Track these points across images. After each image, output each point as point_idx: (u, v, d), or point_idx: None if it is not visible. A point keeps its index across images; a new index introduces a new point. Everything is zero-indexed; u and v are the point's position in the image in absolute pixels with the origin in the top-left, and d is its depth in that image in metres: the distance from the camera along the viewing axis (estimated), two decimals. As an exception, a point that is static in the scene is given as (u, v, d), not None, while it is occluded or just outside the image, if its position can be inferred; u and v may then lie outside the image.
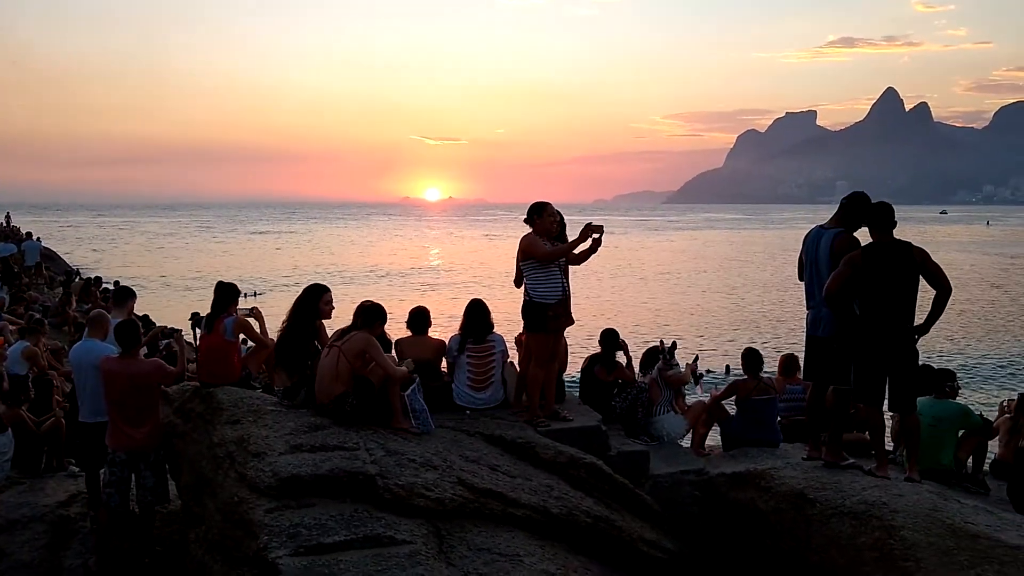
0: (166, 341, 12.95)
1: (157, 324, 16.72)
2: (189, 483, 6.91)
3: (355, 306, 7.23)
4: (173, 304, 34.34)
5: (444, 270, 59.39)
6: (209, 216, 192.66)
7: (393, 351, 7.72)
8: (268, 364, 8.14)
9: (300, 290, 7.61)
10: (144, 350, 8.42)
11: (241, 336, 7.87)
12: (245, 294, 20.51)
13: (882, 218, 6.67)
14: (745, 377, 8.74)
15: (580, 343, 15.41)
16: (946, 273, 6.68)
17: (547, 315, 7.40)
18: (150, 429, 7.10)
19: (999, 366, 24.32)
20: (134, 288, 10.39)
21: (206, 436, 6.78)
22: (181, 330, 8.45)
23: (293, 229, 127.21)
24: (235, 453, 6.12)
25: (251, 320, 7.95)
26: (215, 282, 8.17)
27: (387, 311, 7.26)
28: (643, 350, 9.52)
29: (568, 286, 7.60)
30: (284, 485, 5.55)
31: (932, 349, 23.48)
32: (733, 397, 8.73)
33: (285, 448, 6.01)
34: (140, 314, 14.44)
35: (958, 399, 9.15)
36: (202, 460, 6.63)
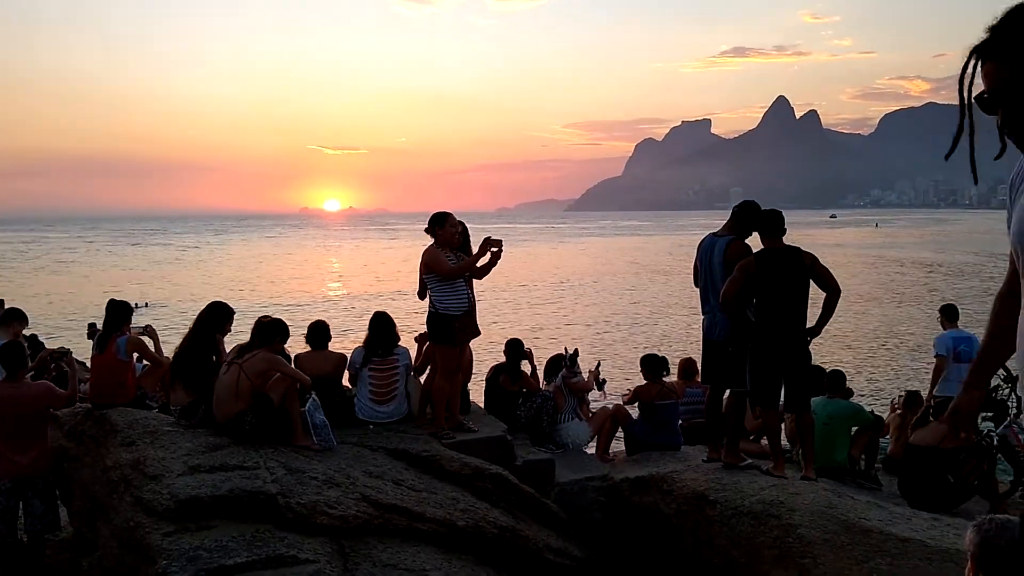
0: (55, 363, 12.49)
1: (46, 345, 16.06)
2: (81, 509, 6.68)
3: (253, 322, 7.10)
4: (63, 324, 33.13)
5: (344, 281, 58.75)
6: (102, 230, 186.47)
7: (292, 366, 7.60)
8: (164, 383, 7.93)
9: (199, 308, 7.46)
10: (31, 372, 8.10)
11: (136, 355, 7.66)
12: (136, 304, 19.88)
13: (772, 225, 6.91)
14: (647, 382, 8.87)
15: (484, 352, 15.44)
16: (834, 275, 6.93)
17: (453, 327, 7.39)
18: (37, 454, 6.83)
19: (889, 364, 25.18)
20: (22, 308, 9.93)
21: (99, 459, 6.56)
22: (71, 351, 8.15)
23: (189, 243, 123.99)
24: (130, 476, 5.94)
25: (145, 338, 7.73)
26: (107, 300, 7.92)
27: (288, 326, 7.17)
28: (547, 358, 9.59)
29: (473, 297, 7.61)
30: (182, 507, 5.41)
31: (824, 350, 24.20)
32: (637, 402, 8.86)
33: (183, 469, 5.86)
34: (28, 334, 13.87)
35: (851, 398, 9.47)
36: (95, 484, 6.42)
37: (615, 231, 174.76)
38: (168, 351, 7.87)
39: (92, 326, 8.44)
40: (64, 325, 32.04)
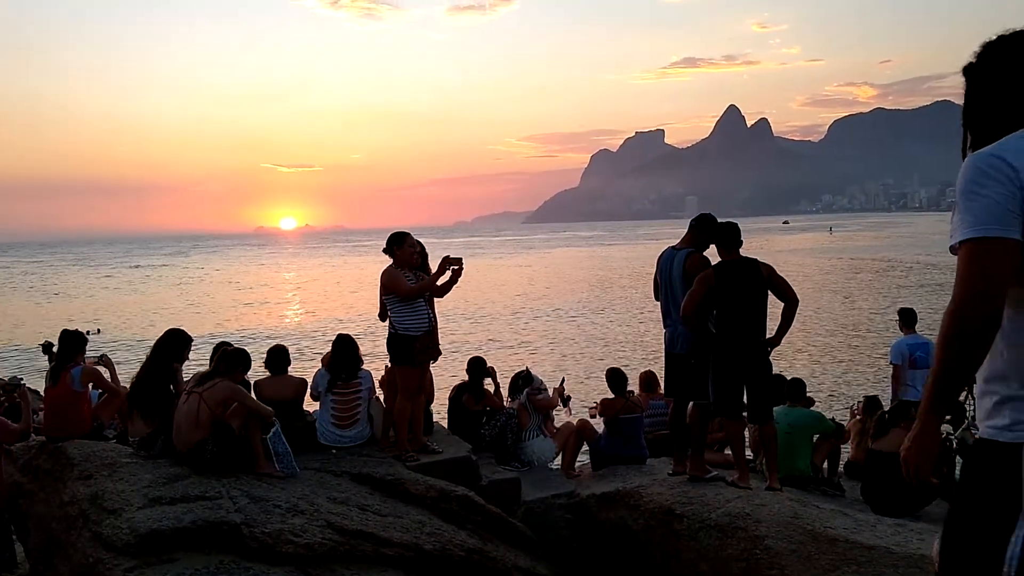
0: (7, 395, 12.23)
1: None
2: (38, 546, 6.54)
3: (211, 350, 7.01)
4: (14, 352, 32.52)
5: (302, 303, 58.13)
6: (58, 254, 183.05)
7: (252, 393, 7.50)
8: (122, 413, 7.79)
9: (155, 335, 7.35)
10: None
11: (91, 385, 7.52)
12: (89, 332, 19.56)
13: (729, 237, 6.96)
14: (612, 396, 8.87)
15: (447, 372, 15.37)
16: (791, 285, 7.00)
17: (414, 347, 7.34)
18: (-9, 491, 6.68)
19: (848, 369, 25.41)
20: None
21: (55, 494, 6.43)
22: (23, 382, 7.99)
23: (150, 264, 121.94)
24: (88, 511, 5.82)
25: (100, 368, 7.59)
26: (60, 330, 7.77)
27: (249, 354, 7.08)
28: (511, 375, 9.55)
29: (434, 316, 7.57)
30: (144, 541, 5.31)
31: (782, 358, 24.40)
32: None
33: (143, 502, 5.75)
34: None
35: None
36: (52, 521, 6.29)
37: (580, 241, 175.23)
38: (125, 379, 7.74)
39: (47, 345, 8.26)
40: (15, 354, 31.44)
